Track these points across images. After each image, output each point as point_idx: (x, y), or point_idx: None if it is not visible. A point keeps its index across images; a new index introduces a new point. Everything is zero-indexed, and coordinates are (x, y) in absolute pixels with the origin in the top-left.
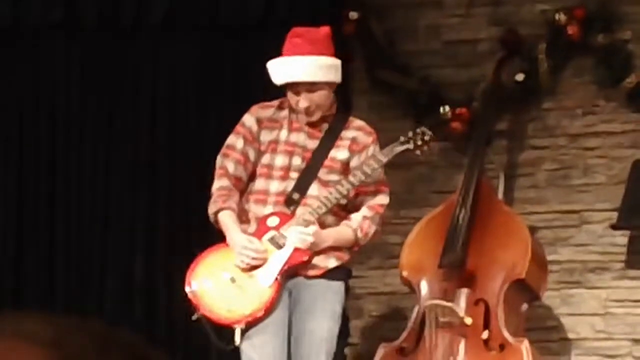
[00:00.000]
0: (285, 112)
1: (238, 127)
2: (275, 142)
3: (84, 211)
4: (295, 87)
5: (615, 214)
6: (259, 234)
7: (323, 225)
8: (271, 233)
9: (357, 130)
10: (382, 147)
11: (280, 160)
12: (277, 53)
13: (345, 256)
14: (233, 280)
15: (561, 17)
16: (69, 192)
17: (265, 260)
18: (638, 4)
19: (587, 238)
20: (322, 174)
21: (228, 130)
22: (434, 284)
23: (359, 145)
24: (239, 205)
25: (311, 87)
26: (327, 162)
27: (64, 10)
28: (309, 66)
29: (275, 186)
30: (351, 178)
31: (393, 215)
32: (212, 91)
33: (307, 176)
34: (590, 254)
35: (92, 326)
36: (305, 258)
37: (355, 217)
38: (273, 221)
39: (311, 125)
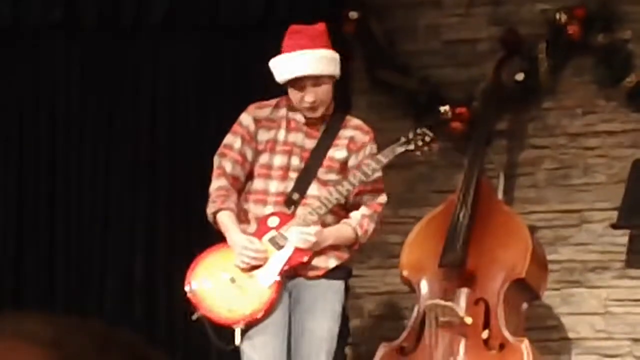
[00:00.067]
0: (282, 112)
1: (235, 127)
2: (273, 141)
3: (84, 211)
4: (300, 83)
5: (615, 214)
6: (259, 234)
7: (323, 225)
8: (271, 233)
9: (354, 130)
10: (381, 146)
11: (278, 160)
12: (277, 53)
13: (345, 255)
14: (233, 280)
15: (561, 16)
16: (69, 192)
17: (265, 260)
18: (638, 3)
19: (587, 237)
20: (321, 173)
21: (228, 130)
22: (434, 284)
23: (356, 144)
24: (238, 205)
25: (316, 81)
26: (325, 162)
27: (64, 10)
28: (314, 60)
29: (274, 186)
30: (351, 178)
31: (393, 215)
32: (212, 91)
33: (306, 176)
34: (590, 254)
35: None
36: (306, 258)
37: (355, 216)
38: (273, 221)
39: (309, 124)
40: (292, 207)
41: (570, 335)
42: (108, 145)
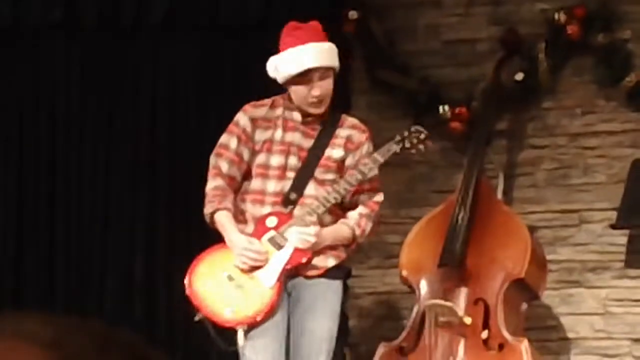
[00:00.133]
0: (279, 111)
1: (231, 127)
2: (270, 141)
3: (84, 211)
4: (306, 77)
5: (614, 214)
6: (257, 234)
7: (320, 224)
8: (270, 233)
9: (351, 129)
10: (379, 146)
11: (276, 160)
12: (277, 53)
13: (343, 254)
14: (234, 281)
15: (561, 16)
16: (69, 192)
17: (265, 261)
18: (638, 3)
19: (587, 237)
20: (319, 173)
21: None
22: (434, 284)
23: (353, 143)
24: (235, 205)
25: (323, 73)
26: (322, 161)
27: (64, 10)
28: (322, 52)
29: (272, 186)
30: (348, 178)
31: (393, 215)
32: (212, 91)
33: (304, 176)
34: (589, 254)
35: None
36: (306, 259)
37: (352, 215)
38: (271, 221)
39: (306, 124)
40: (290, 206)
41: (570, 335)
42: (108, 145)
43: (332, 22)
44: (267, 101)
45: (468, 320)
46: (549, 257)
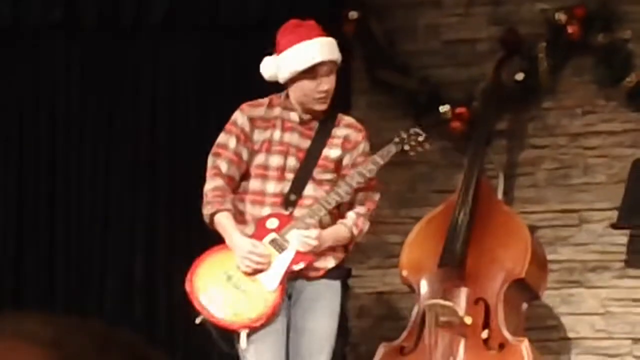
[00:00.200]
0: (276, 111)
1: (229, 126)
2: (269, 142)
3: (84, 211)
4: (315, 71)
5: (615, 213)
6: (258, 236)
7: (320, 224)
8: (272, 235)
9: (347, 128)
10: (378, 145)
11: (275, 161)
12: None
13: (341, 255)
14: (237, 284)
15: (561, 16)
16: (69, 192)
17: (268, 264)
18: (638, 3)
19: (587, 237)
20: (317, 173)
21: None
22: (434, 284)
23: (350, 143)
24: (234, 205)
25: (331, 68)
26: (320, 162)
27: (64, 10)
28: (330, 45)
29: (271, 187)
30: (349, 180)
31: (393, 215)
32: (212, 91)
33: (302, 176)
34: (590, 254)
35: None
36: (308, 262)
37: (350, 216)
38: (272, 223)
39: (303, 124)
40: (290, 208)
41: (570, 335)
42: (108, 145)
43: (332, 22)
44: (264, 100)
45: (468, 320)
46: (549, 257)
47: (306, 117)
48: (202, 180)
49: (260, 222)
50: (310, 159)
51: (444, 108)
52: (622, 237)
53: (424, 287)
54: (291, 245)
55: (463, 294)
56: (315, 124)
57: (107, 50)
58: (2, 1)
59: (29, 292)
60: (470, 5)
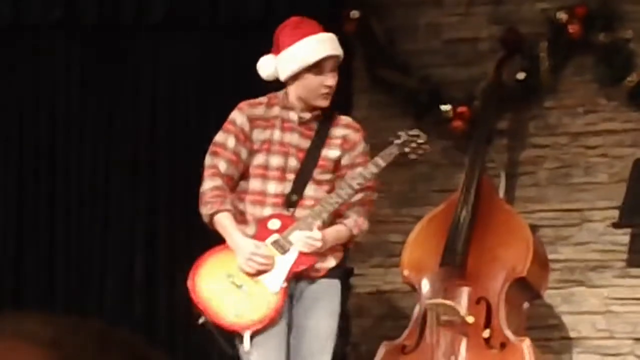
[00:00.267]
0: (275, 111)
1: (228, 125)
2: (269, 142)
3: (84, 211)
4: (321, 67)
5: (616, 213)
6: (260, 237)
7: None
8: (274, 236)
9: (346, 128)
10: (379, 144)
11: (275, 161)
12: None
13: (340, 254)
14: (240, 285)
15: (562, 15)
16: (69, 192)
17: (271, 265)
18: (639, 2)
19: (588, 236)
20: (317, 173)
21: None
22: (435, 283)
23: (349, 143)
24: (233, 205)
25: (336, 63)
26: (320, 162)
27: (64, 10)
28: (335, 41)
29: (272, 187)
30: (351, 182)
31: (394, 214)
32: (212, 91)
33: (303, 177)
34: (591, 253)
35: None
36: (311, 263)
37: (351, 216)
38: (274, 224)
39: (302, 124)
40: (291, 208)
41: (572, 334)
42: (108, 145)
43: (332, 22)
44: (262, 99)
45: (470, 319)
46: (550, 256)
47: (305, 116)
48: (202, 180)
49: (261, 222)
50: (310, 160)
51: (444, 107)
52: (623, 237)
53: (425, 286)
54: (294, 246)
55: (464, 293)
56: (314, 124)
57: (107, 50)
58: (2, 1)
59: (29, 292)
60: (471, 4)
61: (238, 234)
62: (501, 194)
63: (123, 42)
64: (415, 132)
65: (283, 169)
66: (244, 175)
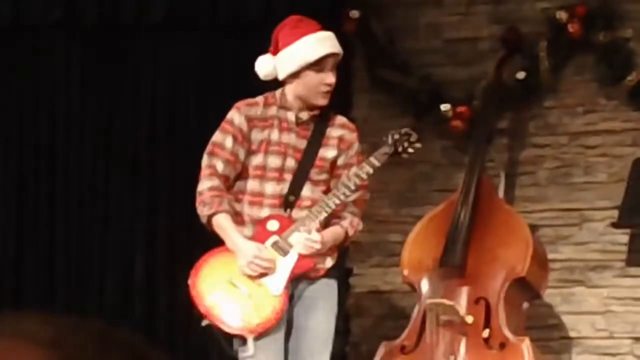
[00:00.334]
0: (273, 111)
1: (225, 125)
2: (267, 142)
3: (84, 211)
4: (322, 64)
5: (616, 212)
6: (260, 239)
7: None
8: (273, 238)
9: (342, 128)
10: (379, 145)
11: (273, 162)
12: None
13: (336, 254)
14: (242, 289)
15: (562, 15)
16: (69, 192)
17: (273, 268)
18: (639, 1)
19: (588, 236)
20: (314, 174)
21: None
22: (435, 283)
23: (345, 143)
24: (230, 206)
25: (336, 61)
26: (317, 162)
27: (64, 10)
28: (336, 39)
29: (270, 188)
30: (347, 182)
31: (394, 214)
32: (212, 91)
33: (300, 177)
34: (591, 252)
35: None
36: (311, 265)
37: (346, 217)
38: (272, 225)
39: (299, 124)
40: (289, 209)
41: (571, 334)
42: (108, 145)
43: (332, 21)
44: (259, 99)
45: (469, 319)
46: (550, 255)
47: (303, 116)
48: (199, 179)
49: (260, 224)
50: (307, 160)
51: (444, 107)
52: (623, 236)
53: (424, 286)
54: (294, 248)
55: (464, 293)
56: (310, 124)
57: (107, 50)
58: (2, 1)
59: (29, 292)
60: (472, 3)
61: (238, 235)
62: (501, 193)
63: (123, 42)
64: (406, 130)
65: (281, 170)
66: (241, 176)
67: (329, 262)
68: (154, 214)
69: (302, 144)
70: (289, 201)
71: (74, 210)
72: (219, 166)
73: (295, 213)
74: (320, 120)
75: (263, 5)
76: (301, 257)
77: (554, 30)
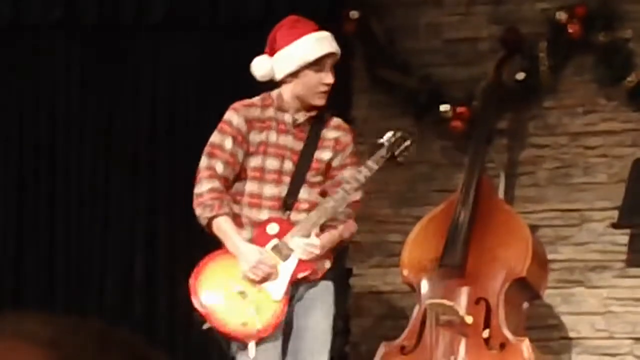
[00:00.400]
0: (270, 112)
1: (224, 126)
2: (265, 144)
3: (84, 211)
4: (321, 64)
5: (615, 213)
6: (260, 242)
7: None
8: (274, 242)
9: (337, 130)
10: (375, 144)
11: (271, 164)
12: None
13: (332, 256)
14: (244, 293)
15: (562, 15)
16: (69, 192)
17: (275, 273)
18: (639, 2)
19: (588, 237)
20: (310, 176)
21: None
22: (435, 283)
23: (341, 144)
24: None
25: (334, 61)
26: (314, 164)
27: (64, 10)
28: (334, 40)
29: (269, 190)
30: (346, 186)
31: (394, 214)
32: (212, 91)
33: (297, 180)
34: (590, 253)
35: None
36: (311, 270)
37: (340, 218)
38: (272, 229)
39: (296, 126)
40: (287, 211)
41: (571, 334)
42: (108, 145)
43: (332, 21)
44: (257, 101)
45: (469, 319)
46: (550, 256)
47: (299, 118)
48: (197, 180)
49: (260, 227)
50: (303, 162)
51: (444, 107)
52: (622, 237)
53: (424, 286)
54: (294, 253)
55: (464, 293)
56: (307, 126)
57: (107, 50)
58: (2, 1)
59: (29, 292)
60: (471, 4)
61: (240, 239)
62: (501, 194)
63: (123, 42)
64: (402, 134)
65: (279, 172)
66: (239, 177)
67: (327, 264)
68: (154, 214)
69: (299, 145)
70: (287, 203)
71: (74, 210)
72: (219, 167)
73: (294, 216)
74: (316, 122)
75: (263, 5)
76: (301, 261)
77: (554, 30)
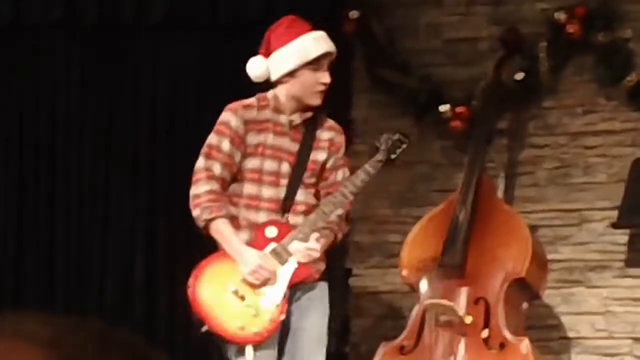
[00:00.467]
0: (267, 114)
1: (222, 128)
2: (263, 145)
3: (84, 211)
4: (318, 63)
5: (615, 213)
6: (259, 245)
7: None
8: (272, 245)
9: (331, 131)
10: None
11: (269, 166)
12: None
13: (325, 257)
14: (242, 297)
15: (561, 15)
16: (69, 192)
17: (274, 277)
18: (638, 2)
19: (588, 237)
20: (306, 177)
21: None
22: (434, 283)
23: (335, 145)
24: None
25: (331, 61)
26: (310, 166)
27: (64, 10)
28: (330, 39)
29: (266, 192)
30: (344, 190)
31: (393, 214)
32: (212, 91)
33: (294, 181)
34: (590, 253)
35: (91, 326)
36: (309, 273)
37: (333, 219)
38: (271, 232)
39: (291, 127)
40: (285, 214)
41: (571, 334)
42: (108, 145)
43: (332, 21)
44: (253, 102)
45: (468, 319)
46: (549, 256)
47: (296, 120)
48: (194, 182)
49: (259, 230)
50: (299, 163)
51: (444, 107)
52: (622, 237)
53: (424, 286)
54: (294, 257)
55: (463, 293)
56: (302, 127)
57: (107, 50)
58: (2, 1)
59: (29, 292)
60: (471, 4)
61: (239, 242)
62: (500, 193)
63: (123, 42)
64: (399, 137)
65: (277, 174)
66: (236, 179)
67: (322, 265)
68: (154, 214)
69: (295, 147)
70: (285, 205)
71: (74, 210)
72: (216, 169)
73: (291, 218)
74: (311, 123)
75: (263, 5)
76: (300, 265)
77: (554, 30)
